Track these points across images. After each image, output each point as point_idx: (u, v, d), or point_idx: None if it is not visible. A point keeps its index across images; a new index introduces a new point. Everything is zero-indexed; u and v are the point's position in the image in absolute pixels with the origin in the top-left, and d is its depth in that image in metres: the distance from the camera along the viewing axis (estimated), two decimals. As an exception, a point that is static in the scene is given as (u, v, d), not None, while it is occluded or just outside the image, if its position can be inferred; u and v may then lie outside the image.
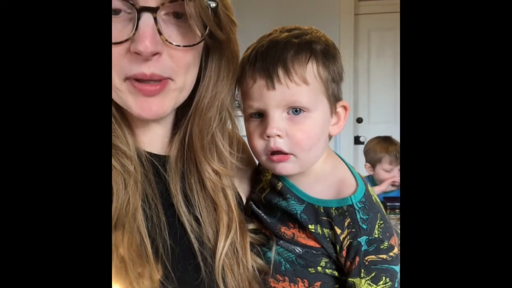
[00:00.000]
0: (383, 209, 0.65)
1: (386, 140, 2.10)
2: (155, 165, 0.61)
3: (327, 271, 0.65)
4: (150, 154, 0.61)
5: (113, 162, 0.54)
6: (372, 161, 2.08)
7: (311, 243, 0.64)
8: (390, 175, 2.02)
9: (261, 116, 0.63)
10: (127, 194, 0.54)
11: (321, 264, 0.64)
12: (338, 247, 0.62)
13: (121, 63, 0.52)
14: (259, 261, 0.66)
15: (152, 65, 0.52)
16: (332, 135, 0.67)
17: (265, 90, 0.60)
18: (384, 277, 0.59)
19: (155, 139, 0.63)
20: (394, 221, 1.57)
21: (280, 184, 0.67)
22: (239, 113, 0.68)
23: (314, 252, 0.65)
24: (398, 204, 1.82)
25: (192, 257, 0.59)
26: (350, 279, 0.61)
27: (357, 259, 0.60)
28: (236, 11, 0.60)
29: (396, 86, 2.99)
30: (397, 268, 0.60)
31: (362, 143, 2.98)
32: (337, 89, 0.64)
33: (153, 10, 0.50)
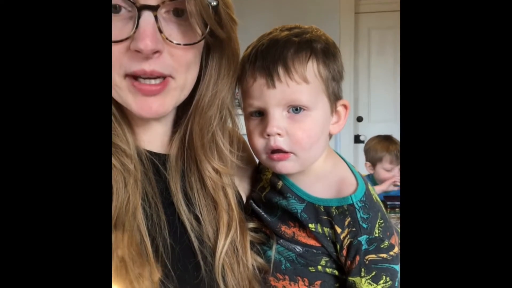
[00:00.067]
0: (384, 208, 0.65)
1: (386, 139, 2.09)
2: (155, 163, 0.61)
3: (328, 270, 0.65)
4: (150, 152, 0.61)
5: (113, 160, 0.54)
6: (373, 160, 2.07)
7: (312, 242, 0.64)
8: (390, 174, 2.01)
9: (261, 114, 0.63)
10: (127, 192, 0.54)
11: (321, 263, 0.64)
12: (338, 246, 0.62)
13: (121, 61, 0.52)
14: (259, 259, 0.66)
15: (152, 63, 0.52)
16: (333, 134, 0.67)
17: (265, 89, 0.60)
18: (384, 276, 0.59)
19: (155, 138, 0.63)
20: (394, 220, 1.57)
21: (280, 183, 0.67)
22: (239, 111, 0.68)
23: (315, 251, 0.65)
24: (398, 203, 1.82)
25: (192, 255, 0.59)
26: (350, 278, 0.61)
27: (358, 258, 0.60)
28: (237, 10, 0.60)
29: (396, 85, 2.98)
30: (397, 267, 0.60)
31: (362, 142, 2.98)
32: (337, 88, 0.64)
33: (153, 8, 0.50)
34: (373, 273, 0.59)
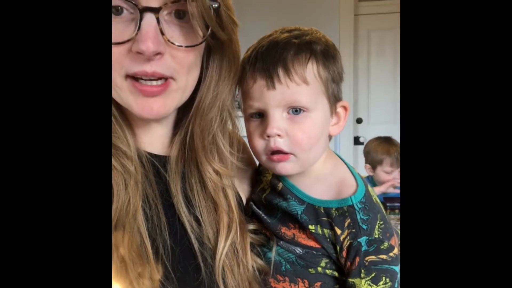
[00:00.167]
0: (383, 210, 0.65)
1: (386, 141, 2.08)
2: (155, 165, 0.61)
3: (327, 271, 0.65)
4: (151, 154, 0.61)
5: (114, 162, 0.54)
6: (373, 163, 2.06)
7: (312, 243, 0.64)
8: (390, 176, 2.01)
9: (261, 116, 0.63)
10: (127, 194, 0.54)
11: (321, 264, 0.64)
12: (338, 248, 0.62)
13: (122, 62, 0.52)
14: (259, 261, 0.66)
15: (154, 64, 0.52)
16: (332, 135, 0.68)
17: (265, 90, 0.60)
18: (384, 278, 0.59)
19: (155, 140, 0.63)
20: (394, 221, 1.58)
21: (280, 185, 0.67)
22: (240, 113, 0.68)
23: (314, 252, 0.65)
24: (398, 204, 1.83)
25: (192, 257, 0.60)
26: (350, 280, 0.61)
27: (357, 259, 0.60)
28: (237, 12, 0.60)
29: (395, 86, 2.99)
30: (397, 268, 0.60)
31: (361, 143, 2.98)
32: (337, 89, 0.64)
33: (155, 10, 0.50)
34: (373, 274, 0.59)
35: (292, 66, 0.59)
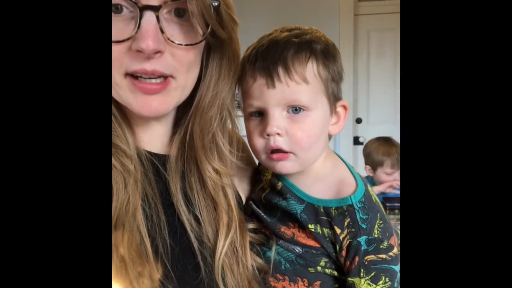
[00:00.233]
0: (383, 209, 0.65)
1: (386, 142, 2.07)
2: (155, 164, 0.61)
3: (327, 270, 0.65)
4: (150, 153, 0.61)
5: (113, 161, 0.54)
6: (374, 164, 2.04)
7: (311, 242, 0.64)
8: (391, 177, 2.00)
9: (261, 115, 0.63)
10: (127, 193, 0.54)
11: (320, 263, 0.64)
12: (337, 247, 0.62)
13: (122, 61, 0.52)
14: (259, 260, 0.66)
15: (154, 63, 0.52)
16: (332, 134, 0.68)
17: (265, 89, 0.60)
18: (383, 277, 0.59)
19: (155, 138, 0.63)
20: (394, 221, 1.57)
21: (280, 184, 0.67)
22: (239, 113, 0.68)
23: (314, 251, 0.65)
24: (397, 204, 1.83)
25: (192, 256, 0.59)
26: (349, 279, 0.61)
27: (357, 258, 0.60)
28: (237, 11, 0.60)
29: (395, 86, 2.99)
30: (397, 267, 0.60)
31: (361, 143, 2.98)
32: (336, 89, 0.64)
33: (155, 9, 0.50)
34: (372, 274, 0.59)
35: (292, 65, 0.59)
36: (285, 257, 0.66)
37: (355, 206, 0.61)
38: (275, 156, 0.62)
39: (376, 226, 0.61)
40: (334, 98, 0.64)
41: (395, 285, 0.60)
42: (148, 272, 0.52)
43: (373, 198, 0.64)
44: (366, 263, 0.60)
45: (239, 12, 0.60)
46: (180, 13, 0.53)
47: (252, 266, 0.64)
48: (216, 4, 0.53)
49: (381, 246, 0.60)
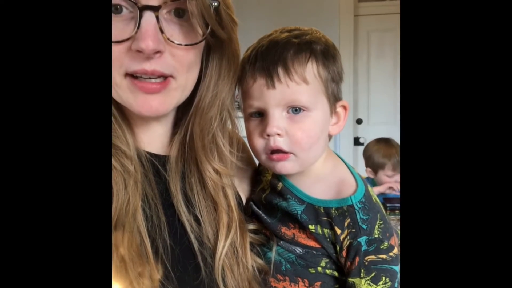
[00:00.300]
0: (383, 209, 0.65)
1: (387, 144, 2.06)
2: (155, 165, 0.61)
3: (327, 271, 0.65)
4: (150, 154, 0.61)
5: (113, 162, 0.54)
6: (375, 167, 2.03)
7: (312, 243, 0.64)
8: (392, 179, 1.99)
9: (261, 115, 0.63)
10: (127, 194, 0.54)
11: (321, 264, 0.64)
12: (338, 247, 0.62)
13: (122, 61, 0.52)
14: (259, 261, 0.66)
15: (154, 63, 0.52)
16: (332, 135, 0.68)
17: (265, 89, 0.60)
18: (384, 277, 0.59)
19: (155, 139, 0.63)
20: (394, 222, 1.57)
21: (280, 185, 0.67)
22: (239, 114, 0.68)
23: (314, 252, 0.65)
24: (397, 205, 1.82)
25: (192, 257, 0.59)
26: (350, 279, 0.61)
27: (357, 259, 0.60)
28: (237, 12, 0.60)
29: (395, 87, 2.99)
30: (397, 268, 0.60)
31: (361, 144, 2.98)
32: (336, 89, 0.64)
33: (155, 9, 0.50)
34: (373, 274, 0.59)
35: (292, 66, 0.59)
36: (285, 257, 0.66)
37: (356, 207, 0.61)
38: (275, 156, 0.62)
39: (377, 226, 0.61)
40: (334, 98, 0.64)
41: (395, 286, 0.60)
42: (148, 272, 0.52)
43: (374, 199, 0.64)
44: (367, 263, 0.60)
45: (239, 12, 0.60)
46: (180, 13, 0.54)
47: (252, 266, 0.64)
48: (215, 4, 0.53)
49: (382, 247, 0.60)
